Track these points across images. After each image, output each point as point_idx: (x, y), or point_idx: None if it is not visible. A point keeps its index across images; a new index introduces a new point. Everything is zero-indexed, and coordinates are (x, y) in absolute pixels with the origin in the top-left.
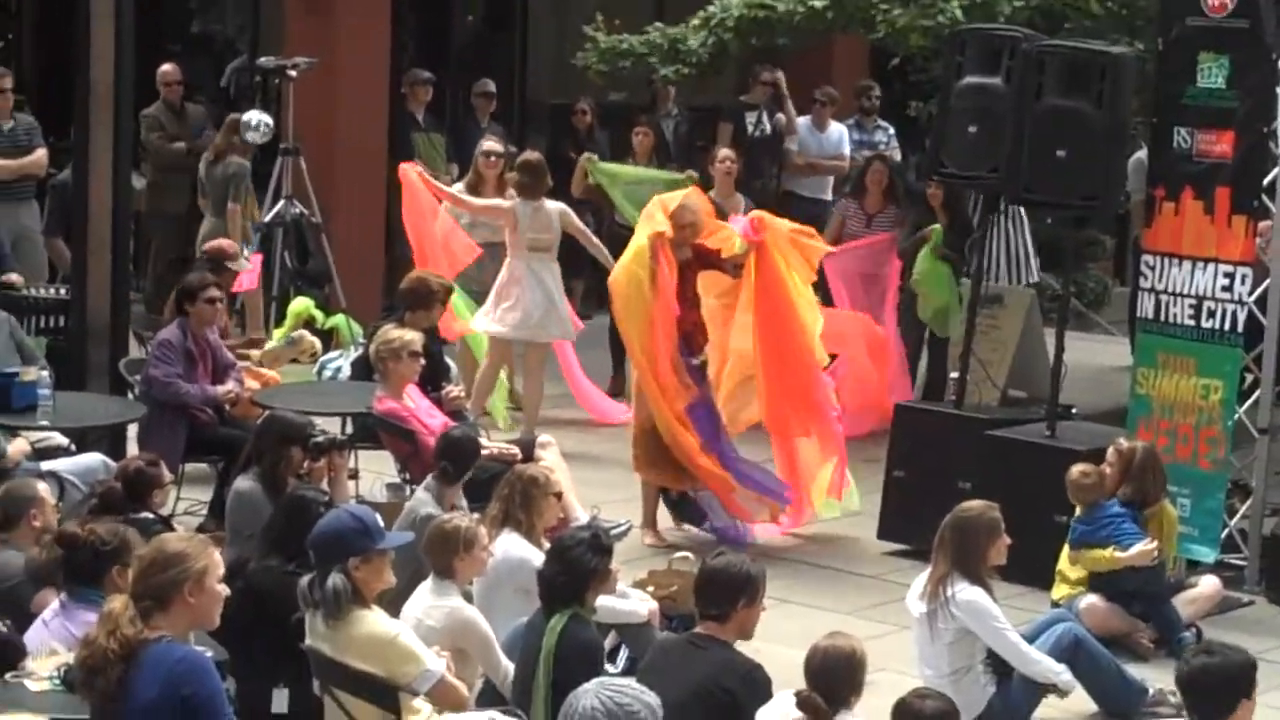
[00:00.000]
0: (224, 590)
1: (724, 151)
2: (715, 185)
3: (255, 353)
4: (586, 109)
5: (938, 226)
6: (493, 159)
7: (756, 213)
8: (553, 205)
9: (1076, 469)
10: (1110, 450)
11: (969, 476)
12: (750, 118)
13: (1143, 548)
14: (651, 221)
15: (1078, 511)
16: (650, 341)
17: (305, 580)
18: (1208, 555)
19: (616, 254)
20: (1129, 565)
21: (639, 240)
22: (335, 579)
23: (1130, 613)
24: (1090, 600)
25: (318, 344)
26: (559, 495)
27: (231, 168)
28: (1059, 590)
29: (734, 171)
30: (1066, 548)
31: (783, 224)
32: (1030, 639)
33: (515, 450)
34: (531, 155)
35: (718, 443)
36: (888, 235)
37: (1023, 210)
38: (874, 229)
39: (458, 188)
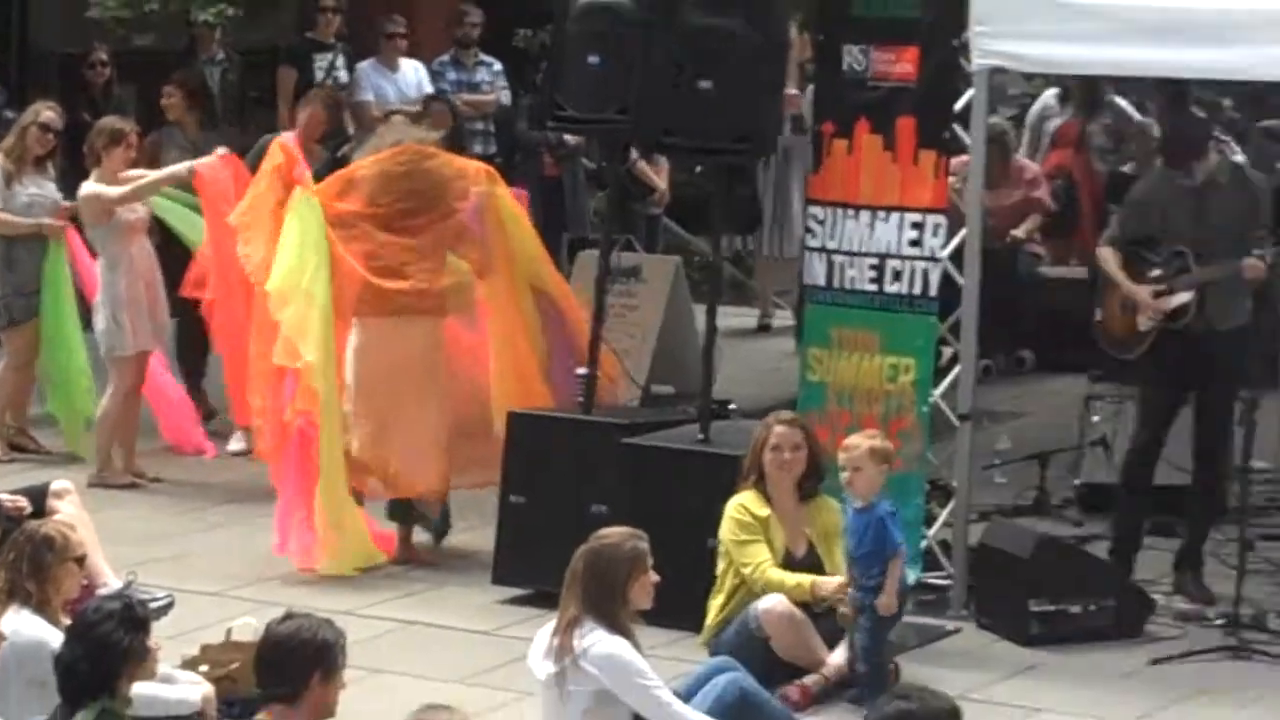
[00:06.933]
0: None
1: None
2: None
3: None
4: (104, 59)
5: None
6: (50, 135)
7: None
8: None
9: None
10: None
11: (604, 498)
12: (320, 61)
13: (841, 583)
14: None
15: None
16: None
17: None
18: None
19: None
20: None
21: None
22: None
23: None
24: (773, 603)
25: None
26: (81, 560)
27: None
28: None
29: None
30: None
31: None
32: (686, 697)
33: (21, 501)
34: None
35: None
36: None
37: None
38: None
39: None
